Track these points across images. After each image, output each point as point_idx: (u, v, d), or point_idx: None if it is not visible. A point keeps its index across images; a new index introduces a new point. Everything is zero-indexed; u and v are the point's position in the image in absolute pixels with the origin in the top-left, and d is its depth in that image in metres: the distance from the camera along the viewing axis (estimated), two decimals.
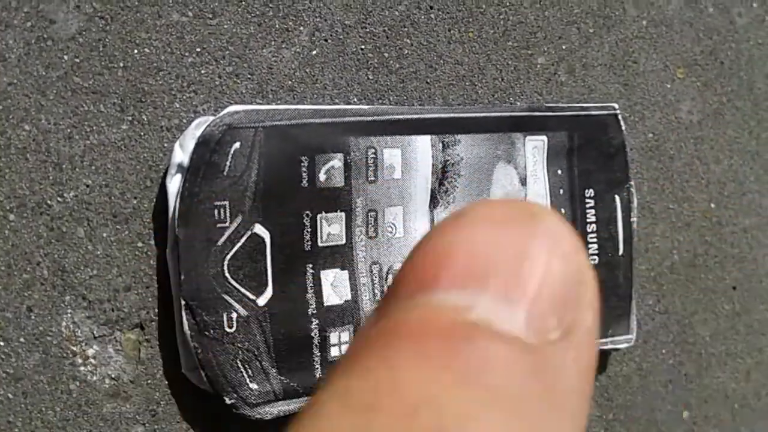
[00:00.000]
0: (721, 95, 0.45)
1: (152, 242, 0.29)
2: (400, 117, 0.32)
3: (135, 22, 0.29)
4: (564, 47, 0.39)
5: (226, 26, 0.31)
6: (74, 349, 0.28)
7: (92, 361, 0.28)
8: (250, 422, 0.29)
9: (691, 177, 0.44)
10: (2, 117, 0.27)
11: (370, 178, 0.31)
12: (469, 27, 0.36)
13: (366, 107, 0.31)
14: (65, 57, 0.28)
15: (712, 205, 0.45)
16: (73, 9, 0.28)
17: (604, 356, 0.40)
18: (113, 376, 0.29)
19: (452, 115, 0.33)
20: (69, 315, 0.28)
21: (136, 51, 0.29)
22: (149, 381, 0.29)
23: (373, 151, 0.31)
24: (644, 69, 0.42)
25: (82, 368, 0.28)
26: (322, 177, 0.30)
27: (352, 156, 0.30)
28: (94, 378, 0.28)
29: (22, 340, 0.27)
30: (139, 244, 0.29)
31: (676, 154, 0.43)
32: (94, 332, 0.28)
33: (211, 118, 0.28)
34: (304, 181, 0.30)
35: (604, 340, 0.38)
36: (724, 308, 0.46)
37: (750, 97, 0.46)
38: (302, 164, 0.29)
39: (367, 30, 0.33)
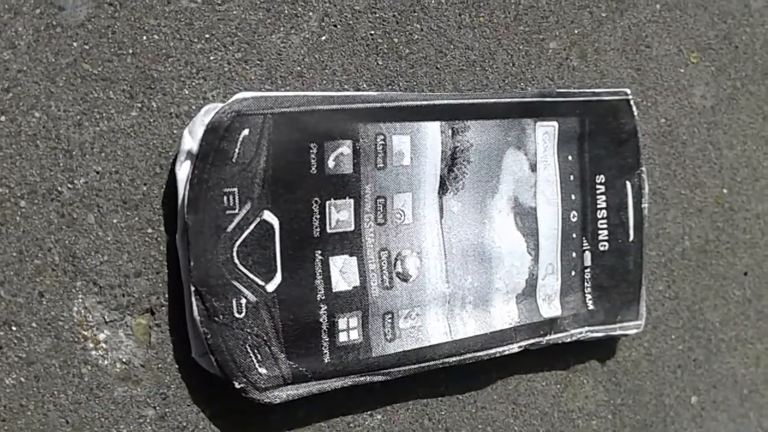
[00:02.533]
0: (735, 80, 0.45)
1: (162, 228, 0.29)
2: (410, 103, 0.31)
3: (144, 9, 0.29)
4: (576, 32, 0.38)
5: (234, 12, 0.30)
6: (86, 333, 0.28)
7: (103, 345, 0.29)
8: (259, 406, 0.29)
9: (703, 162, 0.44)
10: (12, 104, 0.27)
11: (378, 165, 0.31)
12: (480, 12, 0.36)
13: (375, 93, 0.31)
14: (74, 44, 0.28)
15: (725, 191, 0.45)
16: None
17: (612, 342, 0.41)
18: (124, 360, 0.29)
19: (462, 101, 0.33)
20: (80, 300, 0.28)
21: (145, 37, 0.29)
22: (160, 365, 0.29)
23: (382, 137, 0.31)
24: (657, 53, 0.41)
25: (93, 353, 0.28)
26: (330, 164, 0.30)
27: (361, 143, 0.30)
28: (106, 362, 0.29)
29: (34, 325, 0.27)
30: (149, 231, 0.29)
31: (689, 139, 0.43)
32: (105, 317, 0.29)
33: (220, 105, 0.28)
34: (313, 168, 0.30)
35: (613, 326, 0.38)
36: (735, 294, 0.45)
37: (764, 82, 0.46)
38: (311, 151, 0.29)
39: (377, 15, 0.33)
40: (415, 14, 0.34)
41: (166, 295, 0.29)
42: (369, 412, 0.34)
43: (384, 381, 0.32)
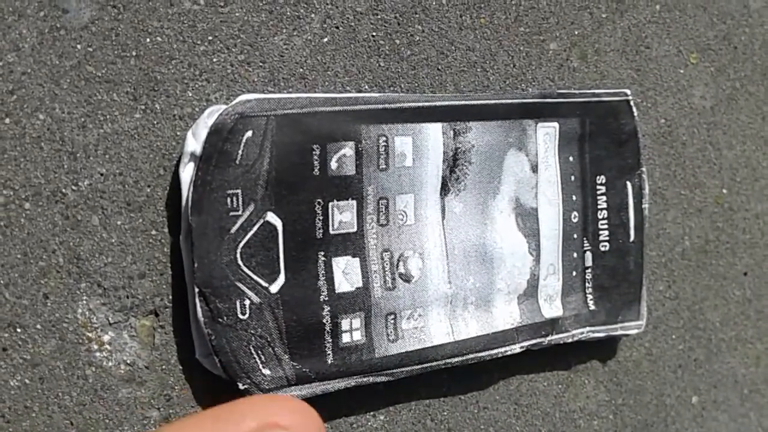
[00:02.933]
0: (735, 80, 0.45)
1: (166, 230, 0.29)
2: (412, 105, 0.32)
3: (147, 11, 0.29)
4: (576, 32, 0.39)
5: (237, 14, 0.31)
6: (90, 335, 0.28)
7: (108, 347, 0.29)
8: None
9: (703, 163, 0.44)
10: (17, 106, 0.27)
11: (381, 166, 0.31)
12: (481, 13, 0.36)
13: (377, 95, 0.31)
14: (78, 46, 0.28)
15: (724, 191, 0.45)
16: None
17: (613, 342, 0.41)
18: (128, 361, 0.29)
19: (463, 102, 0.33)
20: (84, 302, 0.28)
21: (148, 40, 0.29)
22: (164, 366, 0.30)
23: (385, 139, 0.31)
24: (657, 54, 0.42)
25: (97, 354, 0.28)
26: (333, 165, 0.30)
27: (364, 144, 0.31)
28: (110, 364, 0.29)
29: (38, 326, 0.28)
30: (153, 232, 0.29)
31: (689, 139, 0.43)
32: (110, 319, 0.29)
33: (224, 107, 0.28)
34: (316, 170, 0.30)
35: (614, 326, 0.38)
36: (735, 294, 0.46)
37: (763, 82, 0.46)
38: (314, 152, 0.30)
39: (379, 17, 0.33)
40: (417, 15, 0.34)
41: (170, 297, 0.30)
42: (372, 413, 0.34)
43: (387, 382, 0.32)
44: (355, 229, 0.31)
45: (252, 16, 0.31)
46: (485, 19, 0.36)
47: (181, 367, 0.30)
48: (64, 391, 0.28)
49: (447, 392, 0.36)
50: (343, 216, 0.31)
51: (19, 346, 0.27)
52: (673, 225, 0.43)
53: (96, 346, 0.28)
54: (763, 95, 0.46)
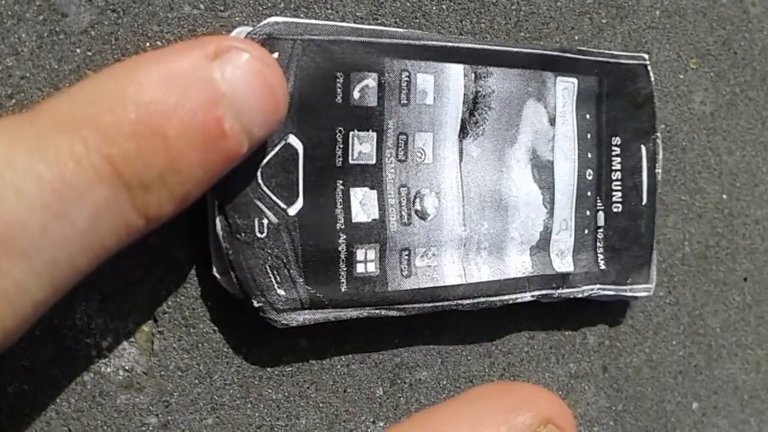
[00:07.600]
0: (734, 86, 0.45)
1: (163, 236, 0.29)
2: (435, 44, 0.32)
3: (147, 15, 0.29)
4: (576, 38, 0.39)
5: (237, 19, 0.30)
6: (88, 341, 0.28)
7: (106, 353, 0.28)
8: (260, 417, 0.29)
9: (703, 168, 0.44)
10: (16, 110, 0.27)
11: (402, 101, 0.31)
12: (481, 18, 0.36)
13: (402, 30, 0.32)
14: (78, 50, 0.28)
15: (724, 197, 0.45)
16: (85, 2, 0.28)
17: (614, 347, 0.41)
18: (127, 367, 0.29)
19: (486, 47, 0.33)
20: (83, 308, 0.28)
21: (148, 44, 0.29)
22: (162, 373, 0.29)
23: (407, 74, 0.31)
24: (657, 59, 0.42)
25: (96, 360, 0.28)
26: (356, 95, 0.30)
27: (387, 77, 0.31)
28: (108, 370, 0.28)
29: (36, 333, 0.27)
30: (151, 239, 0.29)
31: (689, 145, 0.43)
32: (108, 324, 0.28)
33: (251, 28, 0.28)
34: (339, 98, 0.30)
35: (623, 287, 0.38)
36: (735, 300, 0.45)
37: (763, 88, 0.46)
38: (337, 80, 0.30)
39: (379, 21, 0.33)
40: (417, 20, 0.34)
41: (169, 302, 0.29)
42: (371, 419, 0.34)
43: (388, 386, 0.32)
44: (373, 162, 0.31)
45: (252, 20, 0.31)
46: (485, 24, 0.36)
47: (179, 373, 0.30)
48: (62, 397, 0.28)
49: (447, 398, 0.35)
50: (362, 147, 0.31)
51: (17, 353, 0.27)
52: (674, 230, 0.43)
53: (94, 352, 0.28)
54: (762, 100, 0.46)
